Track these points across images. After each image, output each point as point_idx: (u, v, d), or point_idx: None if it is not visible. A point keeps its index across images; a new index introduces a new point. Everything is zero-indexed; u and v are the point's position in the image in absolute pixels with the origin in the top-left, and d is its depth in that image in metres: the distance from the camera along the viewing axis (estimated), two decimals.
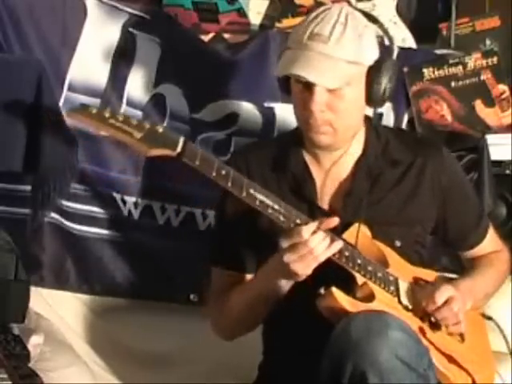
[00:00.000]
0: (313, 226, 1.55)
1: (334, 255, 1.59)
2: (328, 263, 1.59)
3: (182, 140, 1.52)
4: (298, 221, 1.57)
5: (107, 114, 1.51)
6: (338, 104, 1.66)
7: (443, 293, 1.65)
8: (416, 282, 1.72)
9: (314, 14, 1.68)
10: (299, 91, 1.68)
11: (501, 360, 1.92)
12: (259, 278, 1.70)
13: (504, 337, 1.84)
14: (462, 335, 1.74)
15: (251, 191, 1.56)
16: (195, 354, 2.20)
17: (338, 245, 1.58)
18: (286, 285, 1.63)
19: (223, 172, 1.54)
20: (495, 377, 1.85)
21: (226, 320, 1.78)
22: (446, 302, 1.65)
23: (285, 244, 1.55)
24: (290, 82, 1.71)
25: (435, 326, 1.68)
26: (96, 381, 2.05)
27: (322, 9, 1.69)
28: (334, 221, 1.59)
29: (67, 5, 2.21)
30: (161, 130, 1.51)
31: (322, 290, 1.58)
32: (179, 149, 1.51)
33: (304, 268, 1.55)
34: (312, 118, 1.66)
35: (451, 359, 1.67)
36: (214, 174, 1.53)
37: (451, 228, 1.86)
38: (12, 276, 1.89)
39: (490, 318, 1.88)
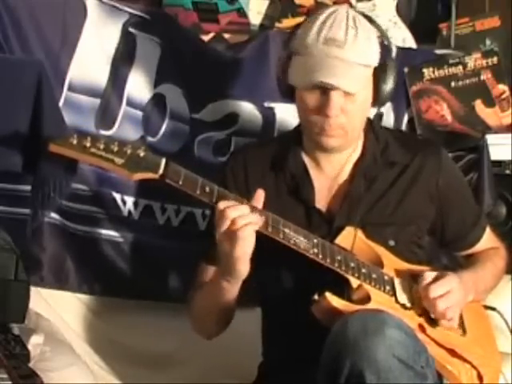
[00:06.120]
0: (231, 202, 1.52)
1: (320, 257, 1.59)
2: (322, 269, 1.59)
3: (163, 162, 1.53)
4: None
5: (88, 144, 1.51)
6: (351, 107, 1.66)
7: (442, 285, 1.64)
8: (413, 279, 1.71)
9: (321, 18, 1.66)
10: (314, 97, 1.66)
11: (503, 360, 1.91)
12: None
13: (507, 324, 1.83)
14: (464, 328, 1.74)
15: None
16: (195, 354, 2.20)
17: (260, 220, 1.54)
18: (227, 277, 1.60)
19: (207, 189, 1.55)
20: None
21: (193, 315, 1.79)
22: (440, 297, 1.63)
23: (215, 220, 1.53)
24: (291, 86, 1.71)
25: (435, 322, 1.67)
26: (96, 381, 2.04)
27: (328, 12, 1.68)
28: (259, 195, 1.57)
29: (67, 5, 2.20)
30: (142, 154, 1.52)
31: (316, 296, 1.58)
32: (161, 171, 1.53)
33: (230, 244, 1.52)
34: (327, 122, 1.66)
35: (454, 353, 1.67)
36: (198, 192, 1.54)
37: (449, 229, 1.85)
38: (12, 276, 1.89)
39: (493, 309, 1.87)
